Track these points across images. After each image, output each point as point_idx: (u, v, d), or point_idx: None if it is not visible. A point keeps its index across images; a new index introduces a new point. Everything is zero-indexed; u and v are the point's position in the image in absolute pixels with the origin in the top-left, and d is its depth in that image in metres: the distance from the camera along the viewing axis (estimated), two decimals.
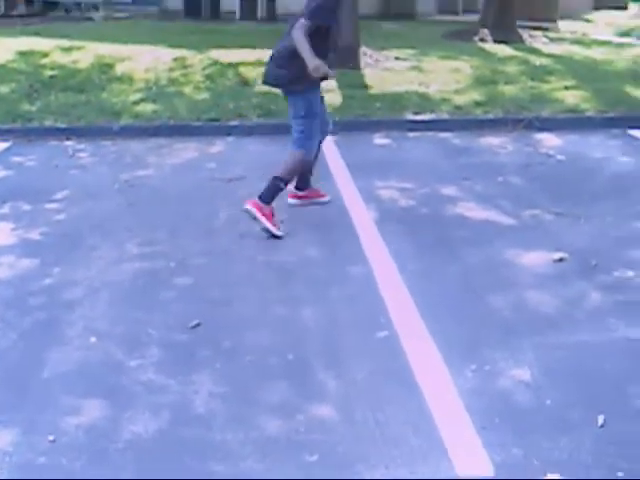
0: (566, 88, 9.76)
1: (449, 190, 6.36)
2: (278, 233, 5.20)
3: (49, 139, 8.03)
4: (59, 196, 6.17)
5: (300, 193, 5.87)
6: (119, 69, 10.38)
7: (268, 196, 5.20)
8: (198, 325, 4.02)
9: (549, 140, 8.11)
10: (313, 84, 5.21)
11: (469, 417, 3.21)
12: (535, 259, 4.94)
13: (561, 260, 4.90)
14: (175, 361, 3.68)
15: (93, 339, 3.89)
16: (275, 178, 5.24)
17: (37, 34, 12.95)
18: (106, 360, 3.70)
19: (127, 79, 9.97)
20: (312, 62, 4.87)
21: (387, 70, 10.95)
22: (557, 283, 4.59)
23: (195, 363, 3.66)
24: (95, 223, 5.59)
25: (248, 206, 5.18)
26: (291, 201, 5.84)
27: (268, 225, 5.17)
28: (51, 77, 9.98)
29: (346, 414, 3.25)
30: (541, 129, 8.41)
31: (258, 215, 5.15)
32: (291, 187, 5.67)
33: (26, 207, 5.91)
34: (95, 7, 17.43)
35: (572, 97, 9.31)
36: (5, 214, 5.79)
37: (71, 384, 3.48)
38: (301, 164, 5.38)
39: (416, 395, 3.38)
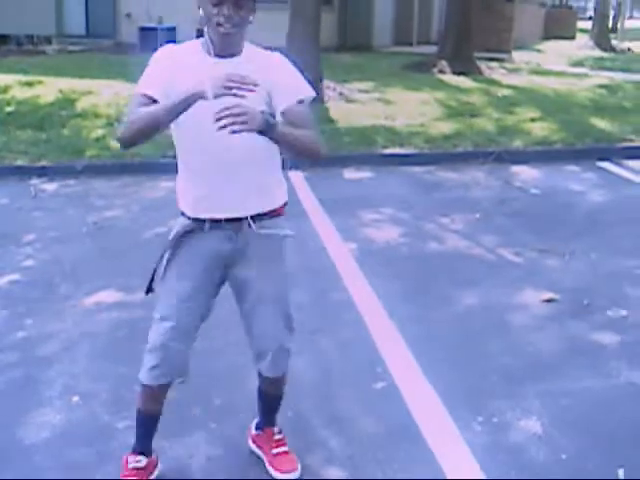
0: (532, 120, 9.80)
1: (429, 227, 6.26)
2: None
3: (10, 179, 7.72)
4: (25, 240, 5.90)
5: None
6: (80, 105, 10.10)
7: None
8: (183, 381, 3.79)
9: (521, 173, 8.08)
10: None
11: (486, 477, 3.06)
12: (525, 299, 4.84)
13: (551, 300, 4.80)
14: (167, 422, 3.45)
15: (75, 399, 3.66)
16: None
17: None
18: (92, 422, 3.47)
19: (89, 115, 9.71)
20: None
21: (352, 103, 10.87)
22: (551, 325, 4.49)
23: (187, 420, 3.45)
24: (67, 269, 5.34)
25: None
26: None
27: None
28: (9, 114, 9.67)
29: (354, 474, 3.08)
30: (512, 162, 8.39)
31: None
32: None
33: None
34: (48, 40, 17.08)
35: (540, 129, 9.34)
36: None
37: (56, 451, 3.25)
38: None
39: (426, 454, 3.21)
